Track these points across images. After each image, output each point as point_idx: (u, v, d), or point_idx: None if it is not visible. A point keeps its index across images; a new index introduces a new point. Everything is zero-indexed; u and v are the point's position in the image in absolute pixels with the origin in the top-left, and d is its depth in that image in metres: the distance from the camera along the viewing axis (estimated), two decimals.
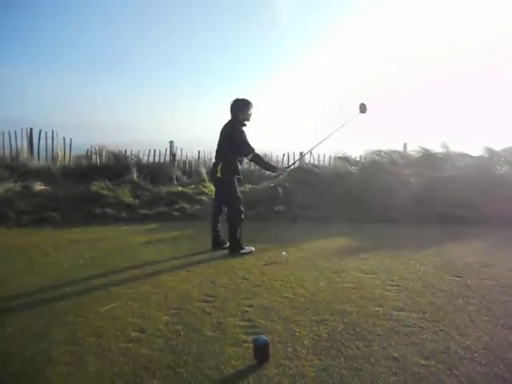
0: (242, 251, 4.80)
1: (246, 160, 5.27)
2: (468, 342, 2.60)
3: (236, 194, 4.81)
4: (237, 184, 4.87)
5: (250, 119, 4.95)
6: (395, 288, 3.62)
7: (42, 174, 8.59)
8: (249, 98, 4.88)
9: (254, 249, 4.90)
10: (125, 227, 6.46)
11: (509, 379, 2.18)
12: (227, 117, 4.92)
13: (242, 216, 4.86)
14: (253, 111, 4.94)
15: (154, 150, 9.88)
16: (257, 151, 4.89)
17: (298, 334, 2.74)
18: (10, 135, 9.60)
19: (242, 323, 2.91)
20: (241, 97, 4.89)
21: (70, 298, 3.38)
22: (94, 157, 9.77)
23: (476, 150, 9.27)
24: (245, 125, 4.89)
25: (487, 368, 2.29)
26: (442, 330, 2.78)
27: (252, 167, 9.65)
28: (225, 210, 5.03)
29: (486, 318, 2.98)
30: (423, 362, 2.37)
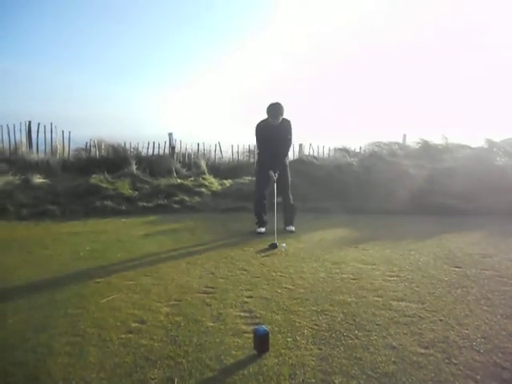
0: (257, 230, 5.51)
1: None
2: (467, 332, 2.62)
3: (256, 180, 5.75)
4: (260, 173, 5.53)
5: (270, 121, 5.26)
6: (395, 278, 3.63)
7: (41, 167, 8.59)
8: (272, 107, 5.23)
9: (263, 230, 5.43)
10: (124, 220, 6.46)
11: (507, 368, 2.19)
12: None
13: (256, 200, 5.57)
14: (270, 119, 5.25)
15: (153, 143, 9.87)
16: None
17: (297, 324, 2.75)
18: (8, 128, 9.57)
19: (241, 314, 2.92)
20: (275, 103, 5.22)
21: (70, 290, 3.39)
22: (93, 150, 9.76)
23: (476, 142, 9.28)
24: (264, 122, 5.31)
25: (486, 357, 2.31)
26: (441, 320, 2.79)
27: (251, 160, 9.80)
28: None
29: (485, 308, 2.99)
30: (422, 351, 2.38)
